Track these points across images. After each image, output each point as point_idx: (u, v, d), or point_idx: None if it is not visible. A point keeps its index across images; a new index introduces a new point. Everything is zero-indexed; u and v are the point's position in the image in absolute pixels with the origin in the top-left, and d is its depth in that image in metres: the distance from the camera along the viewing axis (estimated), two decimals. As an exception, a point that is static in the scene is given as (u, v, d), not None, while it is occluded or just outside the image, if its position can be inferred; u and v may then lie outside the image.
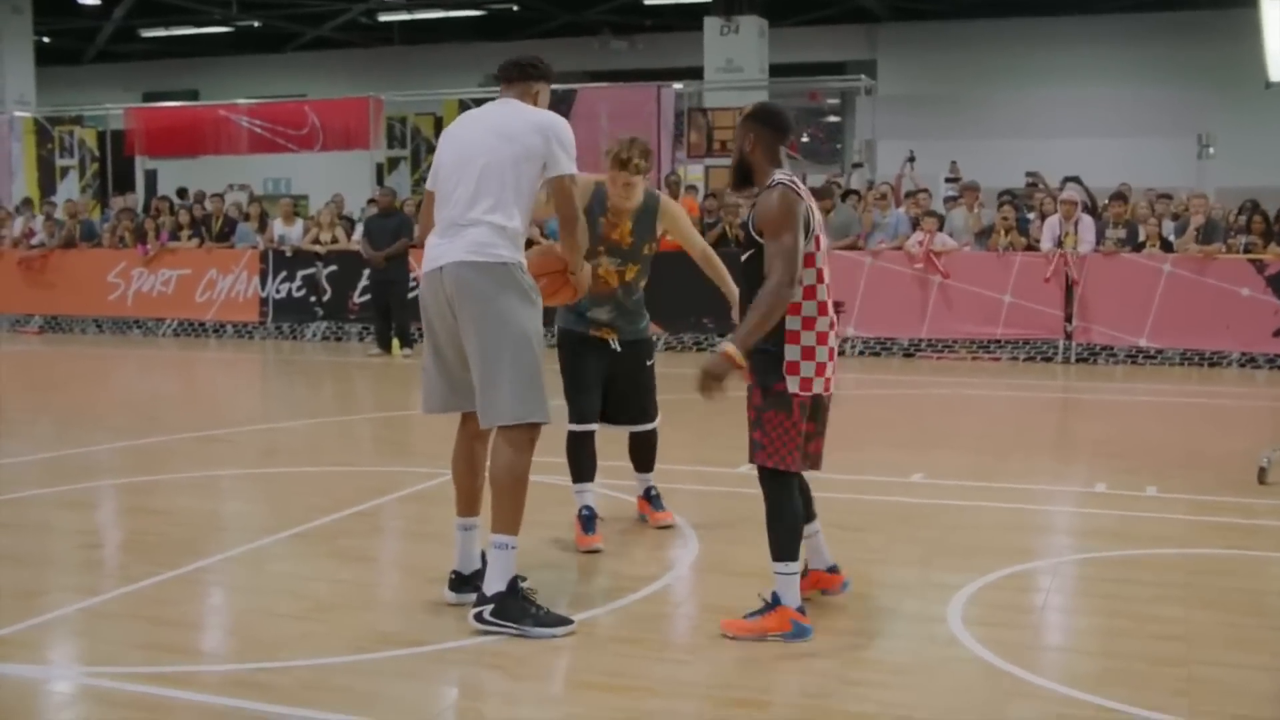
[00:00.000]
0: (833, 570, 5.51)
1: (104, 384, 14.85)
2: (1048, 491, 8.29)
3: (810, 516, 5.40)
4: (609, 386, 6.76)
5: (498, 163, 5.22)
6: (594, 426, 6.72)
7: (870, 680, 4.71)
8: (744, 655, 4.95)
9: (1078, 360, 15.17)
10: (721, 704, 4.52)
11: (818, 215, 5.12)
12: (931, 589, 5.77)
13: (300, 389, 14.53)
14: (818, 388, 5.07)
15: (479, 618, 5.17)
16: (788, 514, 5.11)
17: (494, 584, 5.20)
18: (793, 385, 5.03)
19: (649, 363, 6.90)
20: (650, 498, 7.13)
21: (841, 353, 5.09)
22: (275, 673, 4.78)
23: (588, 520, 6.66)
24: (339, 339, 18.45)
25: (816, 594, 5.48)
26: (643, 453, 7.05)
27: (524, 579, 5.42)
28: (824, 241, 5.15)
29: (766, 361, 5.04)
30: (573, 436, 6.69)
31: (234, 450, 9.73)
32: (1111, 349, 15.20)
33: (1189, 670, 4.80)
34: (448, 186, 5.33)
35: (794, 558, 5.11)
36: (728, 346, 4.94)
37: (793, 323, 5.01)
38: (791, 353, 5.03)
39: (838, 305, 5.40)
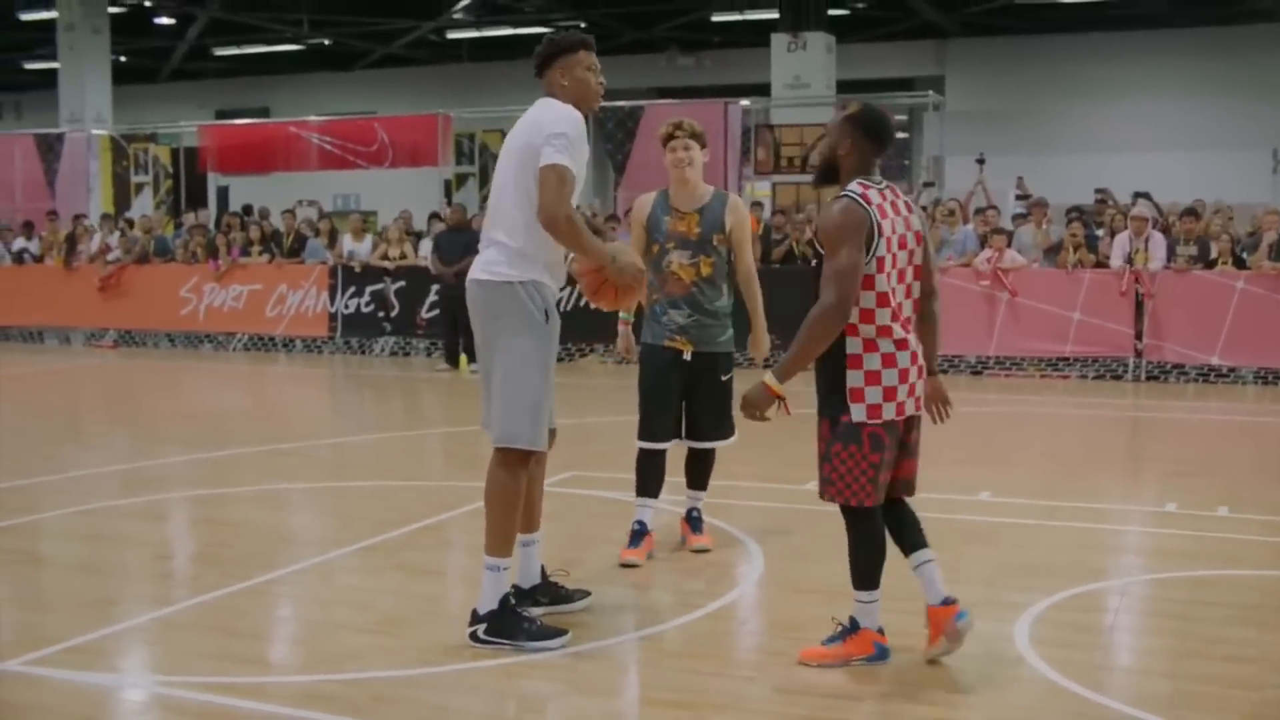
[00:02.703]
0: (947, 603, 4.95)
1: (176, 398, 15.06)
2: (1117, 511, 8.21)
3: (917, 544, 5.02)
4: (687, 400, 6.66)
5: (504, 181, 5.29)
6: (661, 445, 6.64)
7: (937, 699, 4.68)
8: (808, 673, 4.94)
9: (1148, 378, 15.00)
10: (786, 721, 4.52)
11: (898, 231, 4.78)
12: (999, 608, 5.73)
13: (368, 403, 14.66)
14: (889, 413, 4.78)
15: (474, 637, 5.23)
16: (865, 544, 4.92)
17: (486, 603, 5.25)
18: (858, 414, 4.78)
19: (724, 378, 6.71)
20: (692, 519, 6.95)
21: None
22: (343, 685, 4.83)
23: (635, 535, 6.67)
24: (407, 354, 18.59)
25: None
26: (698, 470, 6.92)
27: (565, 572, 5.68)
28: (900, 259, 4.79)
29: (829, 391, 4.85)
30: (641, 453, 6.69)
31: (303, 464, 9.84)
32: (1183, 367, 15.02)
33: (1263, 694, 4.74)
34: (490, 193, 5.49)
35: (874, 586, 4.94)
36: (767, 376, 4.78)
37: (853, 346, 4.77)
38: (854, 379, 4.78)
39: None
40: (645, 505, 6.72)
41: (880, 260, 4.72)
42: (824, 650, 5.02)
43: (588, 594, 5.78)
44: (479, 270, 5.28)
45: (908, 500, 5.09)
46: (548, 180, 5.08)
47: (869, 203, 4.72)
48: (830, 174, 4.93)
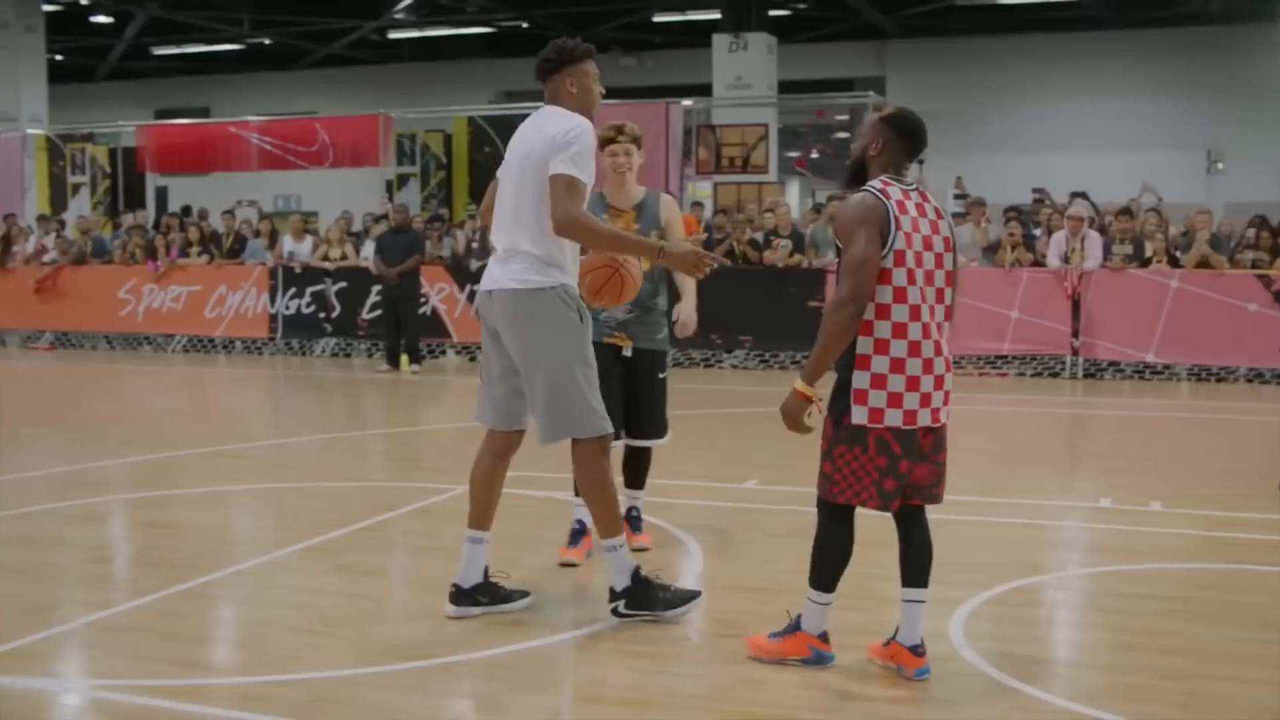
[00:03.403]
0: (917, 651, 4.86)
1: (114, 399, 14.93)
2: (1053, 506, 8.31)
3: (913, 581, 4.89)
4: (625, 398, 6.67)
5: (521, 191, 5.40)
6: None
7: (872, 695, 4.73)
8: (750, 669, 4.97)
9: (1085, 376, 15.19)
10: (726, 717, 4.55)
11: (922, 231, 4.67)
12: (935, 603, 5.74)
13: (309, 405, 14.59)
14: (893, 420, 4.63)
15: (615, 612, 5.55)
16: (833, 546, 4.84)
17: (620, 579, 5.56)
18: (858, 416, 4.64)
19: (661, 375, 6.79)
20: (631, 518, 6.92)
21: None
22: (283, 686, 4.82)
23: (575, 534, 6.71)
24: (347, 355, 18.53)
25: (887, 666, 4.96)
26: (636, 468, 6.95)
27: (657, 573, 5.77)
28: (926, 260, 4.67)
29: (838, 389, 4.72)
30: None
31: (243, 465, 9.78)
32: (1119, 364, 15.23)
33: (1191, 685, 4.82)
34: (500, 199, 5.56)
35: (828, 589, 4.86)
36: (798, 381, 4.67)
37: (864, 345, 4.62)
38: (860, 380, 4.64)
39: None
40: (581, 504, 6.73)
41: (898, 254, 4.60)
42: (765, 643, 5.03)
43: (527, 594, 5.81)
44: (508, 280, 5.40)
45: (926, 529, 4.96)
46: (556, 190, 5.22)
47: (887, 197, 4.65)
48: (860, 174, 4.84)
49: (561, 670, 5.16)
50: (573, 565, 6.56)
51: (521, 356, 5.44)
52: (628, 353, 6.65)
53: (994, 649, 5.22)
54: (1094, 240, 15.33)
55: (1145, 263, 15.20)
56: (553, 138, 5.28)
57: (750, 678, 4.90)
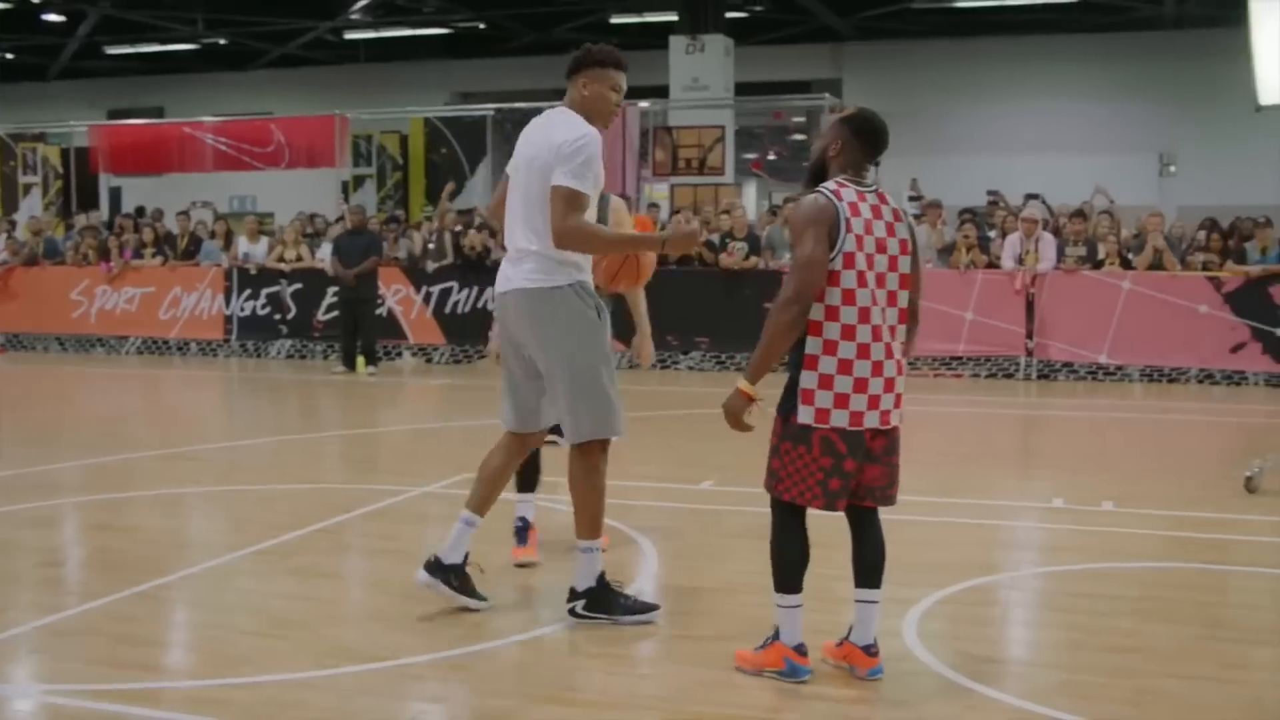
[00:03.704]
0: (870, 651, 4.90)
1: (67, 402, 14.79)
2: (1007, 506, 8.37)
3: (865, 581, 4.91)
4: None
5: (529, 193, 5.43)
6: (550, 440, 6.65)
7: (825, 695, 4.75)
8: (703, 669, 4.98)
9: (1039, 377, 15.30)
10: (678, 718, 4.55)
11: (875, 233, 4.66)
12: (888, 603, 5.75)
13: (265, 406, 14.51)
14: (838, 420, 4.63)
15: (573, 612, 5.60)
16: (789, 546, 4.81)
17: (584, 580, 5.61)
18: (804, 416, 4.65)
19: None
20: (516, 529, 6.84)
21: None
22: (236, 689, 4.79)
23: (520, 531, 6.71)
24: (303, 357, 18.44)
25: (840, 665, 5.00)
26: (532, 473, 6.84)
27: (620, 583, 5.83)
28: (879, 263, 4.66)
29: (787, 389, 4.72)
30: None
31: (198, 467, 9.71)
32: (1072, 365, 15.34)
33: (1141, 682, 4.87)
34: (509, 201, 5.59)
35: (792, 590, 4.80)
36: (740, 380, 4.71)
37: (813, 346, 4.63)
38: (807, 380, 4.64)
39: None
40: (525, 501, 6.75)
41: (848, 256, 4.60)
42: (747, 655, 4.98)
43: (486, 600, 5.78)
44: (522, 281, 5.44)
45: (878, 529, 4.97)
46: (556, 203, 5.25)
47: (839, 199, 4.64)
48: (820, 175, 4.83)
49: (518, 672, 5.15)
50: (530, 565, 6.55)
51: (542, 357, 5.48)
52: None
53: (948, 648, 5.25)
54: (1048, 242, 15.45)
55: (1098, 265, 15.33)
56: (558, 146, 5.30)
57: (707, 679, 4.91)
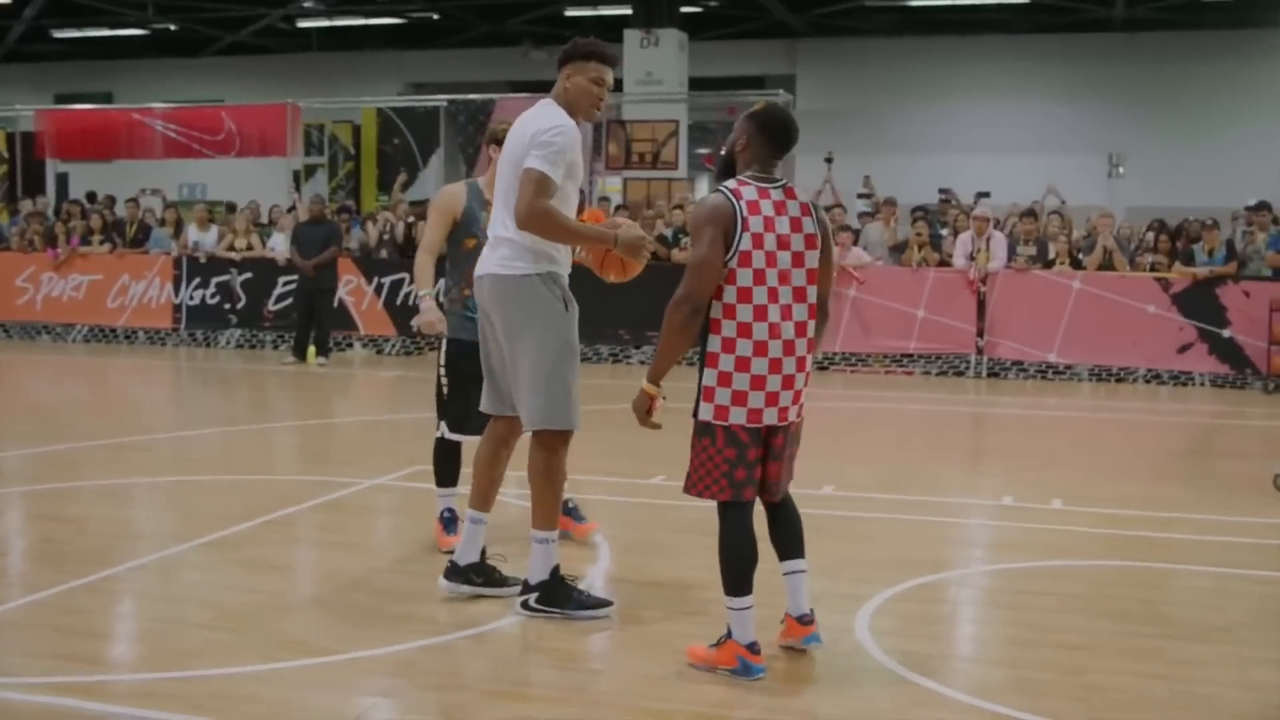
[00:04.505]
0: (804, 620, 5.04)
1: (12, 390, 14.63)
2: (957, 504, 8.42)
3: (789, 553, 5.03)
4: None
5: (505, 180, 5.49)
6: (471, 438, 6.43)
7: (776, 689, 4.77)
8: (656, 665, 4.99)
9: (989, 375, 15.40)
10: (631, 713, 4.56)
11: (778, 230, 4.71)
12: (840, 600, 5.84)
13: (214, 397, 14.39)
14: (737, 418, 4.72)
15: (525, 605, 5.57)
16: (730, 547, 4.82)
17: (537, 574, 5.58)
18: (704, 413, 4.76)
19: None
20: (569, 511, 6.96)
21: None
22: (184, 683, 4.75)
23: (448, 523, 6.76)
24: (253, 347, 18.28)
25: (792, 645, 5.10)
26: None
27: (575, 578, 5.84)
28: (781, 260, 4.71)
29: (695, 386, 4.82)
30: (448, 444, 6.73)
31: (146, 458, 9.62)
32: (1022, 364, 15.44)
33: (1088, 678, 4.92)
34: (495, 188, 5.64)
35: (740, 592, 4.80)
36: (645, 381, 4.85)
37: (713, 344, 4.74)
38: (708, 377, 4.75)
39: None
40: (450, 494, 6.79)
41: (744, 255, 4.67)
42: (700, 652, 4.98)
43: (521, 581, 5.80)
44: (495, 266, 5.52)
45: (790, 504, 5.07)
46: (524, 185, 5.28)
47: (738, 198, 4.70)
48: (729, 169, 4.90)
49: (469, 666, 5.14)
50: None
51: (506, 342, 5.52)
52: None
53: (897, 645, 5.27)
54: (999, 241, 15.55)
55: (1049, 264, 15.44)
56: (534, 134, 5.35)
57: (653, 672, 4.91)
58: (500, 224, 5.54)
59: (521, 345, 5.47)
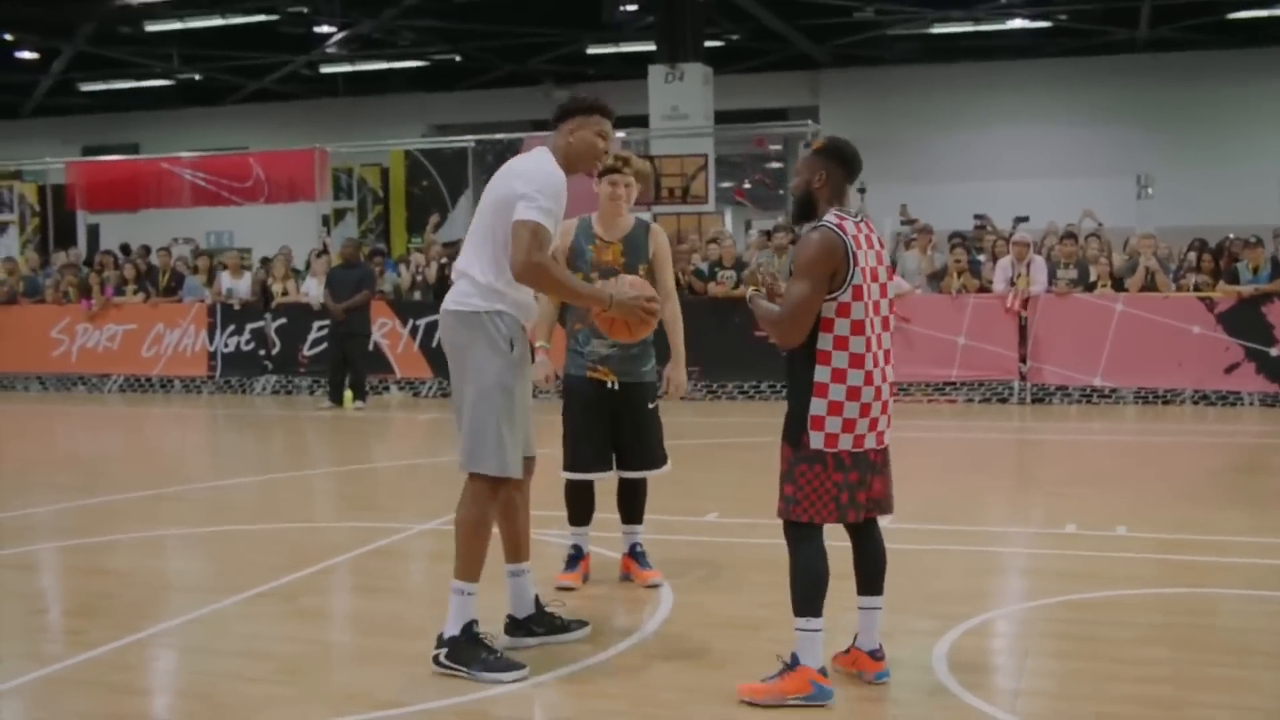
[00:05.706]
0: (875, 655, 5.08)
1: (49, 442, 14.57)
2: (1019, 534, 8.24)
3: (870, 589, 5.09)
4: (614, 430, 6.57)
5: (480, 222, 5.39)
6: (589, 477, 6.56)
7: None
8: (729, 708, 4.83)
9: (1033, 401, 15.19)
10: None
11: (871, 264, 4.80)
12: (912, 636, 5.67)
13: (251, 444, 14.30)
14: (845, 444, 4.78)
15: (436, 660, 5.28)
16: (808, 568, 4.84)
17: (450, 628, 5.31)
18: (816, 441, 4.78)
19: (650, 406, 6.66)
20: (635, 555, 6.86)
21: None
22: (246, 740, 4.61)
23: (571, 559, 6.73)
24: (289, 392, 18.21)
25: (850, 672, 5.13)
26: (631, 502, 6.82)
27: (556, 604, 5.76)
28: (874, 291, 4.80)
29: (793, 416, 4.85)
30: (569, 484, 6.68)
31: (186, 508, 9.50)
32: (1066, 389, 15.23)
33: (1182, 713, 4.74)
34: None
35: (814, 614, 4.81)
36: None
37: (821, 374, 4.77)
38: (816, 407, 4.77)
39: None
40: (579, 533, 6.76)
41: (857, 289, 4.74)
42: (759, 686, 4.87)
43: (585, 624, 5.71)
44: (451, 301, 5.41)
45: (878, 537, 5.14)
46: (519, 236, 5.14)
47: (844, 233, 4.75)
48: (807, 208, 4.93)
49: (536, 712, 4.98)
50: (569, 590, 6.54)
51: (455, 378, 5.44)
52: (614, 386, 6.54)
53: (978, 681, 5.11)
54: (1039, 265, 15.38)
55: (1090, 287, 15.25)
56: (521, 181, 5.25)
57: (724, 714, 4.77)
58: (463, 258, 5.44)
59: (465, 383, 5.36)
